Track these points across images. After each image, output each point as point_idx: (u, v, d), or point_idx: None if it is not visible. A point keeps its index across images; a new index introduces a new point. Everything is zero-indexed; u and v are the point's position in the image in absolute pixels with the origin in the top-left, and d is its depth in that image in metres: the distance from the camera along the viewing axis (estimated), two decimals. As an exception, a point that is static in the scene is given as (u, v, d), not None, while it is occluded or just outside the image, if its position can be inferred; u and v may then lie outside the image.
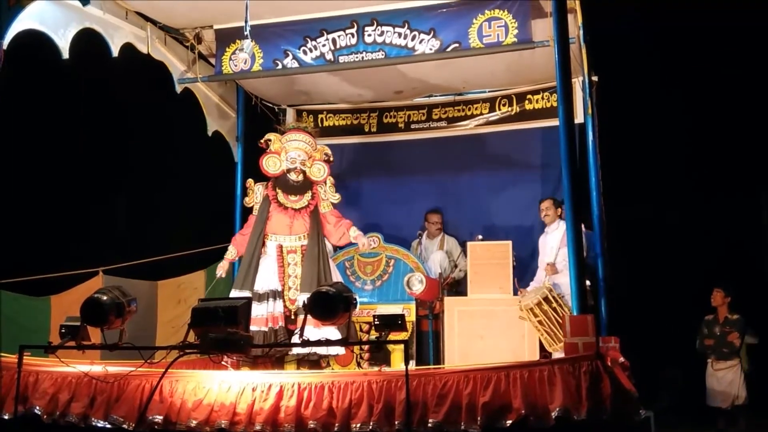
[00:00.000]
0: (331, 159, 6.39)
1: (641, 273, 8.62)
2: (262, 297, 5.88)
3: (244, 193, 6.44)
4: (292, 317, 5.93)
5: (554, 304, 6.00)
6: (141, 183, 8.80)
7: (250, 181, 6.38)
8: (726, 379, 7.73)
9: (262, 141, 6.36)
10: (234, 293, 5.91)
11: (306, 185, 6.22)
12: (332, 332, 5.55)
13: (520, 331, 6.40)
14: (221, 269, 6.32)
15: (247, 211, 6.52)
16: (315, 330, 5.48)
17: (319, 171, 6.26)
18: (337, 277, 6.16)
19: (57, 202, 7.93)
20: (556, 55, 5.25)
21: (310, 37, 6.71)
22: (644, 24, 8.75)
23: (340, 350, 5.99)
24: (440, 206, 8.00)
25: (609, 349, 4.99)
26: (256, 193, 6.29)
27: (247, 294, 5.81)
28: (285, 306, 5.94)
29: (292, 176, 6.18)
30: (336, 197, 6.35)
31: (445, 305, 6.63)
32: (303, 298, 5.81)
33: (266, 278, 5.98)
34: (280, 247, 6.09)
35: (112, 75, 7.61)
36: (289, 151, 6.20)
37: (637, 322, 7.94)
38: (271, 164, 6.21)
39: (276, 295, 5.93)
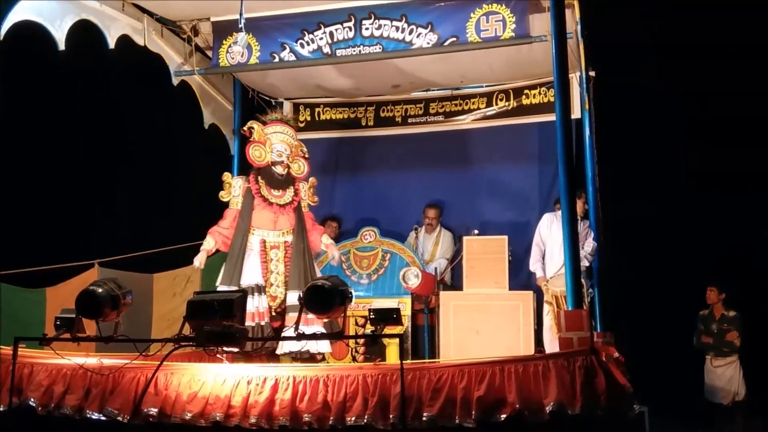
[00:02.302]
0: (307, 156, 6.27)
1: (637, 268, 8.64)
2: (246, 292, 5.74)
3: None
4: (273, 313, 5.83)
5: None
6: (137, 175, 8.79)
7: (226, 174, 6.19)
8: (726, 375, 7.76)
9: (245, 128, 6.28)
10: (222, 289, 5.76)
11: (289, 180, 6.11)
12: (320, 329, 5.55)
13: (515, 326, 6.41)
14: (199, 261, 6.05)
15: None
16: (304, 327, 5.47)
17: (299, 168, 6.15)
18: (319, 274, 6.09)
19: (53, 194, 7.92)
20: (554, 50, 5.24)
21: (308, 30, 6.70)
22: (642, 19, 8.75)
23: (327, 347, 5.96)
24: (436, 200, 8.02)
25: (604, 345, 5.01)
26: (234, 186, 6.10)
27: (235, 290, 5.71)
28: (267, 303, 5.83)
29: (278, 169, 6.04)
30: (314, 200, 6.29)
31: (441, 299, 6.64)
32: (291, 295, 5.80)
33: (250, 273, 5.87)
34: (264, 242, 5.96)
35: (108, 67, 7.59)
36: (275, 143, 6.07)
37: (631, 318, 7.96)
38: (256, 154, 6.04)
39: (260, 290, 5.83)
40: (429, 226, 7.77)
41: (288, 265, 5.95)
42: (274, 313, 5.84)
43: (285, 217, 6.03)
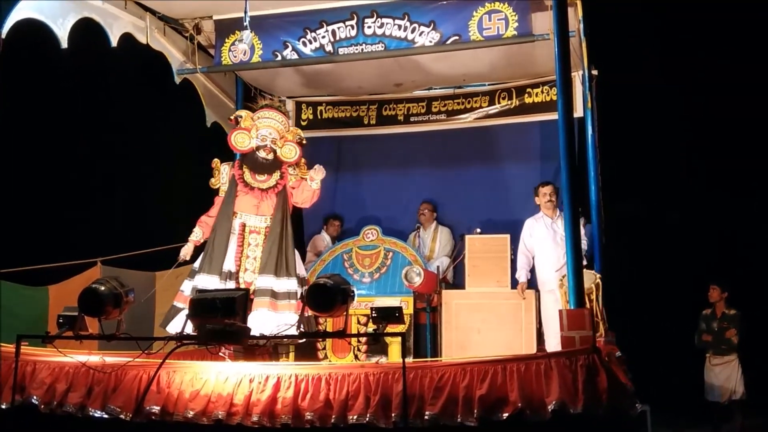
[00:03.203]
0: (304, 141, 6.20)
1: (638, 267, 8.64)
2: (248, 290, 5.67)
3: (210, 174, 6.15)
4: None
5: (594, 295, 5.89)
6: (139, 173, 8.80)
7: (216, 160, 6.13)
8: (723, 374, 7.79)
9: (231, 117, 6.21)
10: (202, 278, 5.65)
11: (275, 165, 6.01)
12: (291, 317, 5.44)
13: (517, 325, 6.42)
14: (184, 252, 5.98)
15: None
16: (272, 314, 5.44)
17: (290, 152, 6.03)
18: (299, 263, 5.99)
19: (55, 192, 7.93)
20: (556, 49, 5.23)
21: (310, 28, 6.69)
22: (644, 18, 8.74)
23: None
24: (439, 199, 8.05)
25: (606, 343, 5.01)
26: (222, 173, 6.07)
27: (215, 278, 5.64)
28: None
29: (261, 154, 5.97)
30: (307, 173, 6.12)
31: (443, 298, 6.64)
32: (261, 279, 5.71)
33: (227, 259, 5.77)
34: (243, 225, 5.87)
35: (110, 65, 7.60)
36: (260, 128, 6.01)
37: (633, 317, 7.96)
38: (239, 140, 5.99)
39: (229, 276, 5.71)
40: (422, 216, 7.82)
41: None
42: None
43: (268, 202, 5.95)
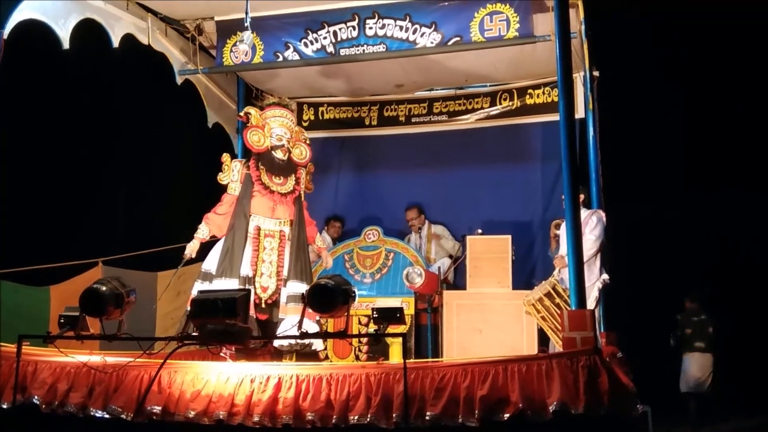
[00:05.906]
0: (308, 142, 6.19)
1: (640, 267, 8.65)
2: (250, 291, 5.64)
3: (219, 169, 6.05)
4: (263, 305, 5.65)
5: (557, 300, 5.86)
6: (141, 174, 8.81)
7: (225, 155, 6.05)
8: (695, 365, 7.95)
9: (241, 113, 6.16)
10: (222, 282, 5.59)
11: (290, 167, 5.97)
12: (311, 325, 5.41)
13: (518, 326, 6.41)
14: (190, 250, 5.82)
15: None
16: (307, 321, 5.37)
17: (301, 153, 6.04)
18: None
19: (57, 192, 7.94)
20: (558, 50, 5.22)
21: (311, 29, 6.70)
22: (646, 19, 8.75)
23: (319, 344, 5.86)
24: (440, 200, 8.06)
25: (607, 344, 5.01)
26: (233, 170, 5.95)
27: (235, 282, 5.58)
28: (255, 293, 5.58)
29: (278, 154, 5.91)
30: (310, 187, 6.19)
31: (444, 299, 6.64)
32: (292, 285, 5.70)
33: (244, 264, 5.70)
34: (258, 229, 5.78)
35: (112, 66, 7.61)
36: (274, 127, 5.93)
37: (634, 317, 7.97)
38: (255, 139, 5.88)
39: (247, 281, 5.63)
40: (413, 227, 7.86)
41: (281, 255, 5.80)
42: (264, 305, 5.65)
43: (284, 207, 5.89)
